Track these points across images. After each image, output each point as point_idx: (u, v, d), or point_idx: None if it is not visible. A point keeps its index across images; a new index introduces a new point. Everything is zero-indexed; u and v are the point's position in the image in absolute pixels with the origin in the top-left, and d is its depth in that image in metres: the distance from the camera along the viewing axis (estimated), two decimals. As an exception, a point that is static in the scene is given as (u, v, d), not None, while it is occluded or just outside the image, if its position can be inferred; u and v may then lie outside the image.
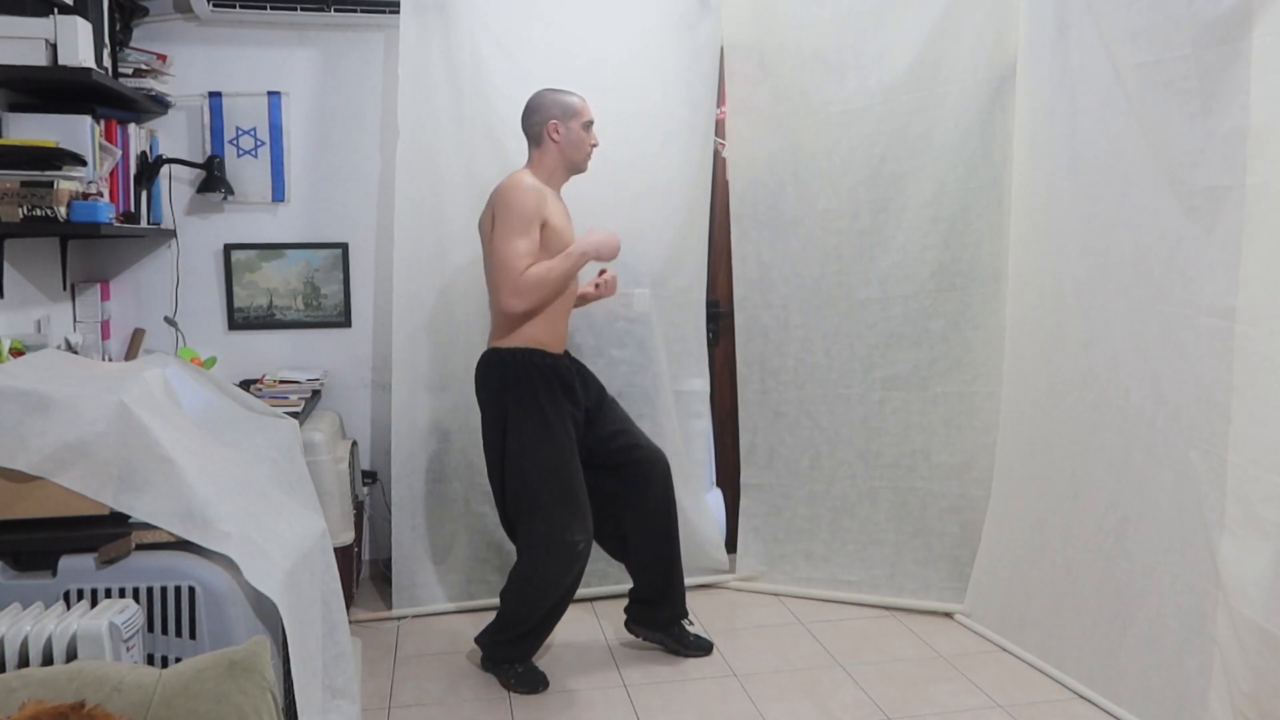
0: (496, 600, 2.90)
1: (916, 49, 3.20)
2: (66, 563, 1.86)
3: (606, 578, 3.46)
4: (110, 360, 3.28)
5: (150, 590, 1.85)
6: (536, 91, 2.89)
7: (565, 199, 3.29)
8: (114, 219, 2.92)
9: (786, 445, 3.53)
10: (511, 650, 2.85)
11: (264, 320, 3.55)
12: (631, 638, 3.10)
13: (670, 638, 3.02)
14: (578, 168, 2.92)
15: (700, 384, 3.61)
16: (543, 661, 2.95)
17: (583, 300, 3.06)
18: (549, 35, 3.33)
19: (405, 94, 3.25)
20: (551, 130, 2.83)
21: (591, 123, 2.90)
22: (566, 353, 2.95)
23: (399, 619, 3.31)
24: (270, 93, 3.46)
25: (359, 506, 3.43)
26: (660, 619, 3.02)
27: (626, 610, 3.08)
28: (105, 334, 3.30)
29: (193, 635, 1.85)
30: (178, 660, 1.76)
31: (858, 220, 3.34)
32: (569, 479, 2.79)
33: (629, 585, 3.02)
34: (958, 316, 3.27)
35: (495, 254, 2.73)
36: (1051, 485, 2.88)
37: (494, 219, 2.76)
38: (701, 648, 3.02)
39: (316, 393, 3.33)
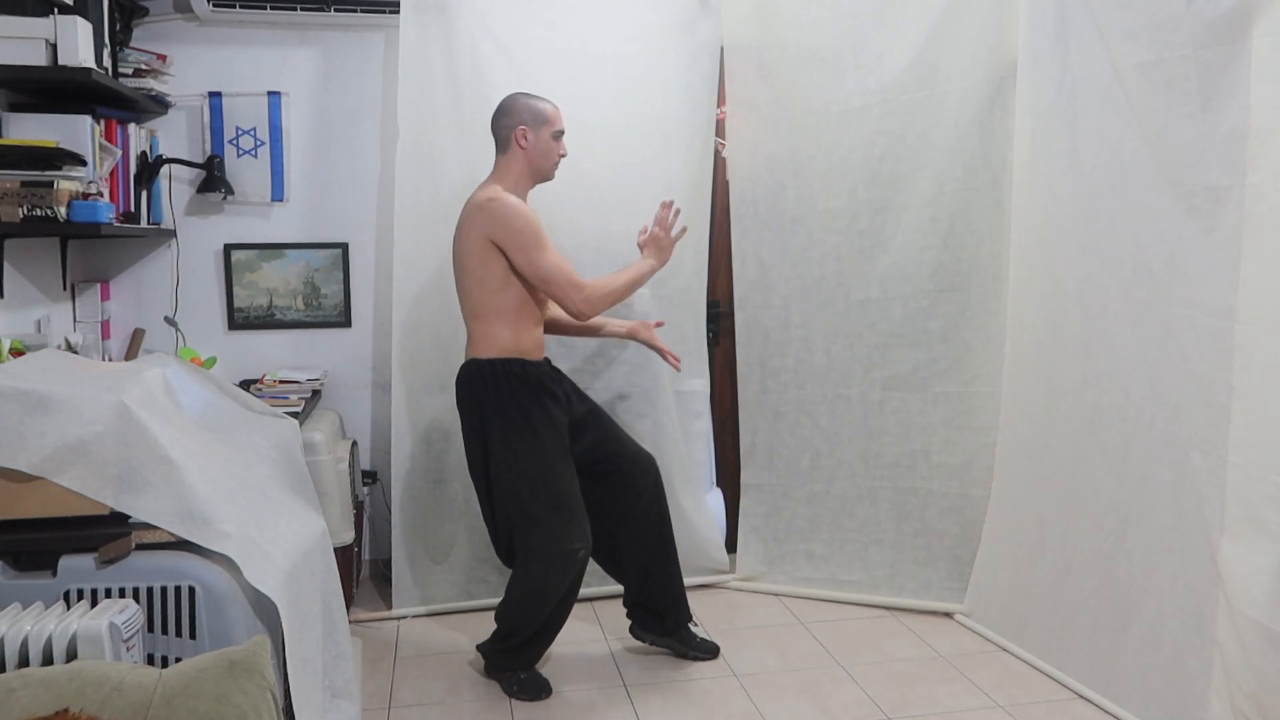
0: (497, 600, 2.89)
1: (916, 49, 3.20)
2: (66, 563, 1.86)
3: (607, 578, 3.45)
4: (110, 360, 3.28)
5: (150, 590, 1.86)
6: (509, 94, 2.83)
7: (567, 198, 3.30)
8: (114, 219, 2.92)
9: (786, 445, 3.53)
10: (514, 658, 2.82)
11: (264, 320, 3.55)
12: (635, 640, 3.08)
13: (678, 641, 3.01)
14: (544, 176, 2.83)
15: (700, 384, 3.61)
16: (544, 661, 2.96)
17: (630, 336, 3.08)
18: (549, 35, 3.33)
19: (405, 94, 3.25)
20: (520, 136, 2.75)
21: (562, 132, 2.81)
22: (547, 359, 2.88)
23: (399, 619, 3.30)
24: (270, 93, 3.46)
25: (359, 506, 3.43)
26: (665, 625, 3.00)
27: (630, 616, 3.05)
28: (105, 334, 3.30)
29: (193, 635, 1.86)
30: (178, 660, 1.76)
31: (857, 220, 3.34)
32: (563, 487, 2.73)
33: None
34: (958, 317, 3.27)
35: (539, 273, 2.67)
36: (1051, 485, 2.88)
37: (498, 243, 2.66)
38: (709, 650, 3.00)
39: (316, 393, 3.33)
